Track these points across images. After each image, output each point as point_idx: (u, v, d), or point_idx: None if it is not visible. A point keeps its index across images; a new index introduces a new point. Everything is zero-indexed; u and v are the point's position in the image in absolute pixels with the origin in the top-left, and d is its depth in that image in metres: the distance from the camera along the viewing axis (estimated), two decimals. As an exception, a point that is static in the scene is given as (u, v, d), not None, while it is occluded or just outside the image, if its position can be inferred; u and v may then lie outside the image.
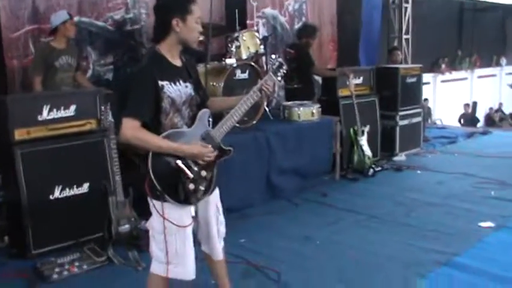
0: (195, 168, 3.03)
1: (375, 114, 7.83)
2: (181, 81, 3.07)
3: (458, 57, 22.28)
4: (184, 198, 3.02)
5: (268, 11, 9.19)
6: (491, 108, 21.73)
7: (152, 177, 2.93)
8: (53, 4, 6.57)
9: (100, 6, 7.04)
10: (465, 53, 22.61)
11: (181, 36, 3.03)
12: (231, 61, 6.12)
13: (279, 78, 3.38)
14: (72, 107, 4.82)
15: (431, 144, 9.10)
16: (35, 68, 5.86)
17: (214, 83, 5.98)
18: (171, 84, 3.01)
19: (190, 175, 3.00)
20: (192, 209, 3.14)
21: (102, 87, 6.18)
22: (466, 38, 23.25)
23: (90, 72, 7.02)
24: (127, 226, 4.61)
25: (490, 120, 20.91)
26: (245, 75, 6.23)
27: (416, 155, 8.32)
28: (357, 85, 7.39)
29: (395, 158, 7.99)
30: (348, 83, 7.21)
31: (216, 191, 3.34)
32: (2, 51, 6.22)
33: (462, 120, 18.94)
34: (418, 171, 7.39)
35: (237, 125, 3.43)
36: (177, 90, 3.03)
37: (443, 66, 20.61)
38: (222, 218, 3.43)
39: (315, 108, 6.63)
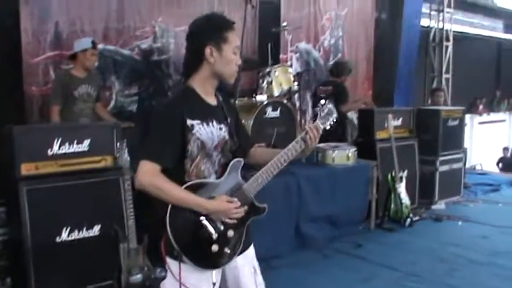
0: (221, 227, 2.58)
1: (414, 159, 7.31)
2: (215, 122, 2.64)
3: (496, 98, 21.64)
4: (206, 262, 2.59)
5: (302, 45, 8.81)
6: (530, 152, 20.93)
7: (169, 233, 2.48)
8: (77, 30, 6.30)
9: (127, 34, 6.74)
10: (504, 94, 21.96)
11: (215, 68, 2.59)
12: (261, 98, 5.72)
13: (328, 127, 2.92)
14: (86, 142, 4.41)
15: (472, 192, 8.51)
16: (53, 97, 5.56)
17: (243, 121, 5.47)
18: (202, 125, 2.57)
19: (215, 235, 2.55)
20: (213, 274, 2.66)
21: (124, 119, 5.89)
22: (504, 79, 22.66)
23: (112, 103, 6.70)
24: (139, 276, 4.12)
25: (527, 165, 20.12)
26: (276, 114, 5.80)
27: (457, 204, 7.75)
28: (395, 127, 6.86)
29: (434, 207, 7.45)
30: (386, 124, 6.71)
31: (251, 251, 2.86)
32: (21, 77, 5.93)
33: (501, 165, 18.18)
34: (460, 223, 6.81)
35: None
36: (209, 132, 2.59)
37: (481, 107, 19.97)
38: (260, 279, 2.91)
39: (351, 152, 6.14)
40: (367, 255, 5.51)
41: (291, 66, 6.67)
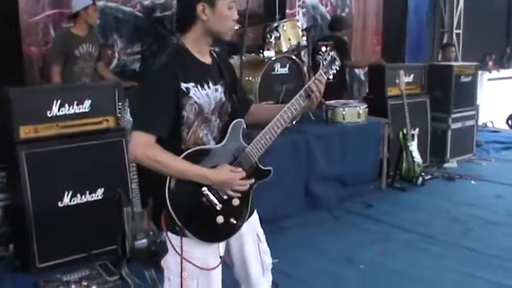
0: (225, 197, 2.38)
1: (425, 116, 7.08)
2: (210, 83, 2.42)
3: (506, 54, 21.22)
4: (211, 235, 2.41)
5: (309, 0, 8.51)
6: (540, 109, 20.64)
7: (170, 208, 2.29)
8: (77, -13, 6.00)
9: (128, -10, 6.46)
10: (514, 51, 21.54)
11: (209, 26, 2.37)
12: (269, 54, 5.48)
13: (331, 76, 2.71)
14: (87, 102, 4.23)
15: (485, 150, 8.27)
16: (53, 57, 5.37)
17: (250, 78, 5.34)
18: (197, 87, 2.35)
19: (219, 206, 2.37)
20: (220, 247, 2.47)
21: (128, 78, 5.70)
22: (515, 35, 22.20)
23: (115, 61, 6.48)
24: (144, 241, 4.04)
25: (538, 122, 19.85)
26: (285, 70, 5.58)
27: (469, 162, 7.55)
28: (406, 83, 6.60)
29: (446, 165, 7.25)
30: (397, 80, 6.48)
31: (254, 217, 2.67)
32: (19, 37, 5.69)
33: (510, 122, 17.92)
34: (473, 182, 6.62)
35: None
36: (205, 95, 2.38)
37: (490, 63, 19.59)
38: (265, 246, 2.73)
39: (362, 109, 5.93)
40: (378, 216, 5.35)
41: (298, 21, 6.36)
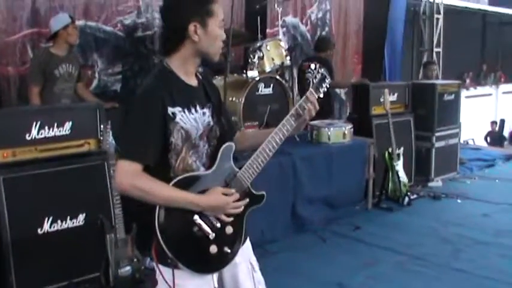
0: (217, 225, 2.27)
1: (410, 135, 7.03)
2: (198, 107, 2.31)
3: (482, 72, 21.49)
4: (205, 266, 2.28)
5: (289, 19, 8.48)
6: (515, 125, 20.87)
7: (160, 240, 2.16)
8: (56, 6, 5.93)
9: (109, 9, 6.38)
10: (489, 68, 21.83)
11: (200, 46, 2.25)
12: (253, 74, 5.39)
13: (322, 94, 2.61)
14: (68, 124, 4.08)
15: (468, 168, 8.24)
16: (32, 77, 5.21)
17: (234, 98, 5.23)
18: (184, 112, 2.24)
19: (212, 235, 2.25)
20: (214, 277, 2.35)
21: (108, 99, 5.57)
22: (489, 52, 22.51)
23: (95, 82, 6.35)
24: (128, 268, 3.89)
25: (514, 138, 20.08)
26: (269, 90, 5.49)
27: (453, 181, 7.50)
28: (391, 102, 6.55)
29: (431, 184, 7.20)
30: (382, 99, 6.43)
31: (247, 245, 2.54)
32: (-5, 57, 5.56)
33: (489, 139, 18.06)
34: (459, 200, 6.57)
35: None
36: (192, 120, 2.27)
37: (467, 81, 19.79)
38: (259, 276, 2.59)
39: (347, 129, 5.84)
40: (367, 238, 5.24)
41: (280, 40, 6.27)
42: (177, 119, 2.21)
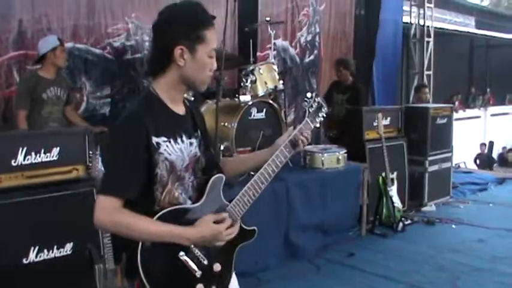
0: (205, 262, 2.15)
1: (403, 160, 6.97)
2: (184, 137, 2.19)
3: (471, 94, 21.59)
4: None
5: (279, 42, 8.41)
6: (504, 148, 20.93)
7: (143, 277, 2.03)
8: (43, 28, 5.84)
9: (98, 31, 6.29)
10: (478, 90, 21.93)
11: (185, 72, 2.13)
12: (245, 98, 5.28)
13: (318, 124, 2.51)
14: (55, 150, 3.92)
15: (461, 192, 8.18)
16: (19, 101, 5.10)
17: (226, 124, 5.12)
18: (170, 142, 2.12)
19: (199, 273, 2.12)
20: None
21: (97, 123, 5.47)
22: (477, 75, 22.65)
23: (84, 105, 6.25)
24: (117, 300, 3.73)
25: (502, 160, 20.10)
26: (262, 115, 5.39)
27: (447, 205, 7.44)
28: (384, 126, 6.48)
29: (425, 209, 7.13)
30: (375, 123, 6.35)
31: (233, 280, 2.41)
32: (-20, 79, 5.44)
33: (478, 161, 18.06)
34: (453, 226, 6.48)
35: (252, 173, 2.48)
36: (178, 150, 2.14)
37: (456, 103, 19.84)
38: None
39: (341, 154, 5.73)
40: (361, 265, 5.13)
41: (273, 63, 6.17)
42: (161, 149, 2.09)
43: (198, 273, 2.11)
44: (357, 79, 7.49)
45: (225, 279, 2.25)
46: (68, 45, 5.79)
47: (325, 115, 2.53)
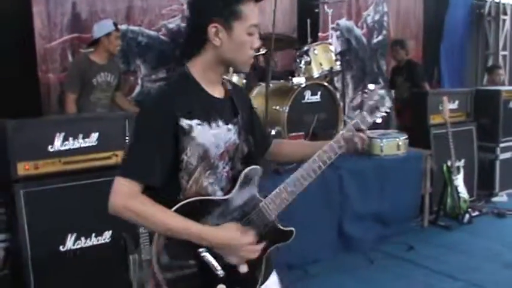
0: (228, 261, 1.93)
1: (472, 146, 6.52)
2: (220, 122, 1.96)
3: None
4: None
5: (343, 22, 8.05)
6: None
7: (159, 274, 1.85)
8: (97, 10, 5.76)
9: (152, 13, 6.17)
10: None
11: (222, 52, 1.92)
12: (299, 80, 5.01)
13: (379, 120, 2.21)
14: (94, 135, 3.82)
15: (537, 181, 7.62)
16: (69, 84, 5.04)
17: (278, 107, 4.87)
18: (203, 126, 1.90)
19: (221, 272, 1.90)
20: None
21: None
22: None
23: (138, 88, 6.15)
24: (153, 291, 3.58)
25: None
26: (316, 98, 5.10)
27: (521, 195, 6.92)
28: (451, 110, 6.05)
29: (495, 199, 6.65)
30: (441, 107, 5.94)
31: (272, 279, 2.18)
32: (35, 64, 5.40)
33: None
34: (527, 218, 6.01)
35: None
36: (212, 136, 1.92)
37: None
38: None
39: (401, 140, 5.39)
40: (421, 261, 4.78)
41: (330, 44, 5.87)
42: (194, 133, 1.87)
43: (221, 273, 1.90)
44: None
45: (253, 281, 2.03)
46: (122, 27, 5.71)
47: (388, 110, 2.22)
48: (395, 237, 5.26)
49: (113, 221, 3.66)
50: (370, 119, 2.16)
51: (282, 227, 2.07)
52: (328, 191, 4.74)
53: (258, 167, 2.04)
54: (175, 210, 1.85)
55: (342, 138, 2.09)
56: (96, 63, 5.04)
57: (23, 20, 5.31)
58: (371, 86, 2.26)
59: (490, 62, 10.37)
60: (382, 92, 2.20)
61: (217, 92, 2.02)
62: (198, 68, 1.96)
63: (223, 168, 1.99)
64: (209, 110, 1.95)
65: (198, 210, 1.89)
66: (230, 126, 2.00)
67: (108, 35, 5.02)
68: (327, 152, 2.07)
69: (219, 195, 1.96)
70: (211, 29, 1.89)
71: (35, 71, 5.41)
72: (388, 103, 2.19)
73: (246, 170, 2.00)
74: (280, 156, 2.36)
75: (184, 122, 1.86)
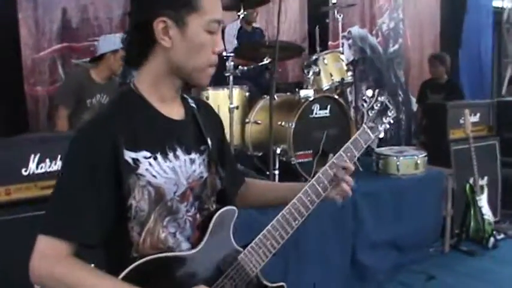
0: None
1: (495, 162, 6.05)
2: (179, 151, 1.52)
3: None
4: None
5: (356, 30, 7.63)
6: None
7: None
8: (90, 17, 5.38)
9: (149, 20, 5.73)
10: None
11: (173, 56, 1.48)
12: (306, 93, 4.56)
13: (381, 134, 1.81)
14: (72, 157, 3.40)
15: None
16: (62, 98, 4.63)
17: (283, 123, 4.41)
18: (155, 159, 1.46)
19: None
20: None
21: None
22: None
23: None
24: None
25: None
26: (325, 112, 4.63)
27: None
28: (472, 124, 5.58)
29: (522, 220, 6.15)
30: (462, 121, 5.48)
31: None
32: (21, 76, 5.02)
33: None
34: (559, 241, 5.51)
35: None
36: (169, 171, 1.48)
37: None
38: None
39: (420, 158, 4.91)
40: (442, 291, 4.32)
41: (342, 53, 5.45)
42: (141, 169, 1.43)
43: None
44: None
45: None
46: (116, 35, 5.28)
47: (392, 121, 1.82)
48: (413, 265, 4.78)
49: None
50: (372, 134, 1.79)
51: (269, 284, 1.64)
52: (340, 216, 4.26)
53: (233, 207, 1.60)
54: (125, 278, 1.39)
55: (330, 166, 1.73)
56: (96, 82, 4.64)
57: (8, 27, 4.93)
58: (369, 92, 1.85)
59: (509, 72, 9.94)
60: (383, 98, 1.85)
61: (175, 112, 1.59)
62: (146, 81, 1.53)
63: (187, 212, 1.56)
64: (163, 137, 1.51)
65: (157, 272, 1.44)
66: (194, 155, 1.57)
67: (115, 52, 4.57)
68: (318, 182, 1.73)
69: (184, 249, 1.53)
70: (159, 25, 1.45)
71: (21, 84, 5.01)
72: (392, 113, 1.84)
73: (218, 212, 1.56)
74: (251, 198, 1.89)
75: (129, 155, 1.42)
